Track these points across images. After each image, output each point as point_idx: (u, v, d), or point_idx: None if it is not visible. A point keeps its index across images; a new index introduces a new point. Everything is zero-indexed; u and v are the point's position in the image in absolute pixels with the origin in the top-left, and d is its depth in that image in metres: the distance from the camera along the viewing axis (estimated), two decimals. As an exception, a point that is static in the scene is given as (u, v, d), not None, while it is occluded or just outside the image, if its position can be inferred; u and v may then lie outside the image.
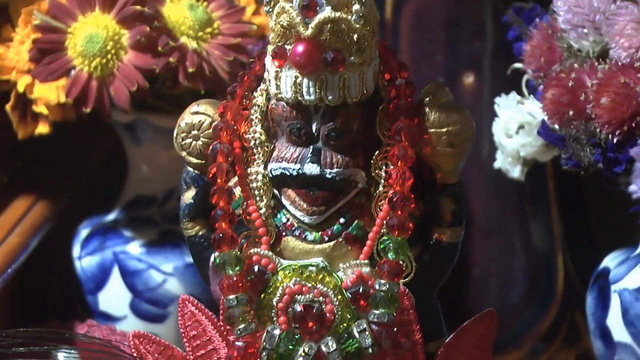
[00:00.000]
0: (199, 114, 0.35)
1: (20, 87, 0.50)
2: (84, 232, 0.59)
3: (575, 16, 0.43)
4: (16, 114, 0.52)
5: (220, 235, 0.32)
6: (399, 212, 0.31)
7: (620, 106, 0.39)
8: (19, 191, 0.58)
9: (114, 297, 0.56)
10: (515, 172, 0.51)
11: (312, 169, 0.32)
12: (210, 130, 0.34)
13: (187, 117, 0.35)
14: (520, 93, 0.49)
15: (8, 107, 0.51)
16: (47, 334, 0.34)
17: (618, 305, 0.44)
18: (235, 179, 0.34)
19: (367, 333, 0.31)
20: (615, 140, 0.40)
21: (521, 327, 0.57)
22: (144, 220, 0.58)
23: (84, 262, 0.57)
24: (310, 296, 0.32)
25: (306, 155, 0.33)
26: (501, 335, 0.50)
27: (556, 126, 0.43)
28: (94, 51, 0.47)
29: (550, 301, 0.57)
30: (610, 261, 0.47)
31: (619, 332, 0.44)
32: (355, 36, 0.31)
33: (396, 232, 0.31)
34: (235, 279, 0.32)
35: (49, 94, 0.50)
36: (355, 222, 0.33)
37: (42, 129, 0.52)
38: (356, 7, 0.31)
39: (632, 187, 0.39)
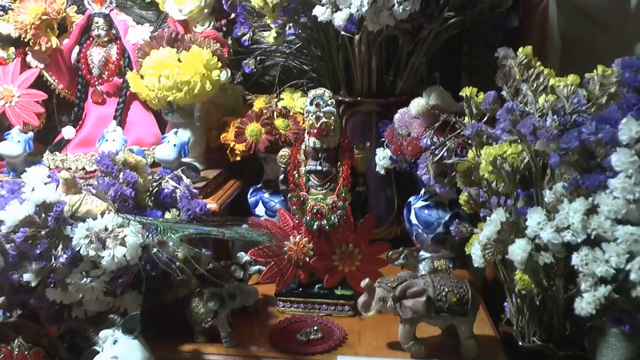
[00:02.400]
0: (284, 150, 1.07)
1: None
2: (251, 190, 1.33)
3: (400, 122, 1.19)
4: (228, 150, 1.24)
5: (292, 188, 1.04)
6: (346, 181, 1.04)
7: (414, 149, 1.15)
8: (230, 177, 1.36)
9: (261, 212, 1.30)
10: (381, 171, 1.27)
11: (319, 168, 1.04)
12: (288, 155, 1.06)
13: (282, 151, 1.07)
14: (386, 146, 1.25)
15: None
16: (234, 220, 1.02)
17: (414, 213, 1.22)
18: (295, 171, 1.06)
19: (335, 217, 1.04)
20: (413, 160, 1.16)
21: (383, 210, 1.34)
22: (270, 187, 1.31)
23: (250, 199, 1.34)
24: (319, 206, 1.04)
25: (317, 164, 1.05)
26: (376, 223, 1.24)
27: (394, 157, 1.19)
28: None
29: (393, 213, 1.35)
30: (412, 199, 1.26)
31: (414, 221, 1.22)
32: (334, 121, 1.02)
33: (345, 186, 1.04)
34: (295, 200, 1.04)
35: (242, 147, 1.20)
36: (333, 184, 1.05)
37: (237, 157, 1.23)
38: (334, 109, 1.02)
39: (419, 173, 1.14)
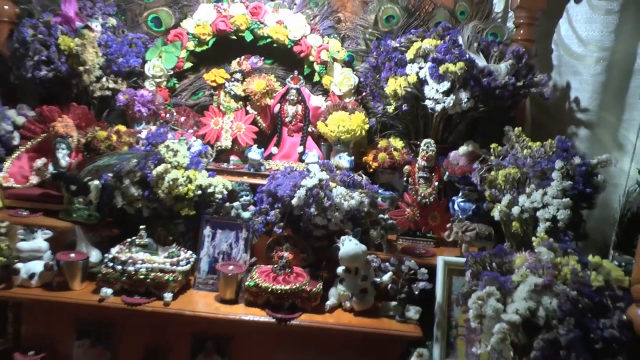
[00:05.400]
0: (407, 167, 2.30)
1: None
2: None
3: (453, 157, 2.42)
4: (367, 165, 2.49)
5: (412, 183, 2.27)
6: (436, 182, 2.27)
7: (461, 171, 2.37)
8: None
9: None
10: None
11: (426, 175, 2.28)
12: (409, 169, 2.29)
13: (406, 167, 2.32)
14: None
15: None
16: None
17: (456, 204, 2.46)
18: (412, 176, 2.29)
19: (431, 198, 2.26)
20: (459, 177, 2.38)
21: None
22: (383, 185, 2.53)
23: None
24: (424, 193, 2.26)
25: (424, 173, 2.28)
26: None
27: (450, 176, 2.43)
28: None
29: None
30: (455, 197, 2.49)
31: (456, 208, 2.45)
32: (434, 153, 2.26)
33: (436, 184, 2.27)
34: (412, 190, 2.27)
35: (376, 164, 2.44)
36: (429, 183, 2.28)
37: (372, 169, 2.48)
38: (434, 148, 2.26)
39: (472, 179, 2.38)
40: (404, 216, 2.27)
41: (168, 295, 1.95)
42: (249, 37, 2.67)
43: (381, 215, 2.15)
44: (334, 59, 2.64)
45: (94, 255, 2.12)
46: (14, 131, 2.45)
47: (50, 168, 2.34)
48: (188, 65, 2.71)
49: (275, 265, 1.99)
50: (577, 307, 1.41)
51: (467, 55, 2.27)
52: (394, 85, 2.37)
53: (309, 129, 2.59)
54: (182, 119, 2.56)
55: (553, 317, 1.42)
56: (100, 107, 2.65)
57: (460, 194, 2.42)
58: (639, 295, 1.36)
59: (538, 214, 1.93)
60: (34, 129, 2.50)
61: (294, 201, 1.99)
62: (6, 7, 2.67)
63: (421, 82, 2.35)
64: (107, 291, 1.96)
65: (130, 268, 1.96)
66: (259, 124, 2.65)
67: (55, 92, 2.59)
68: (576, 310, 1.40)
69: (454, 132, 2.50)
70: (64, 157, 2.34)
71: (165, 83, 2.67)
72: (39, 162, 2.40)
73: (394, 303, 1.98)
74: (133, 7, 2.77)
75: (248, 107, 2.63)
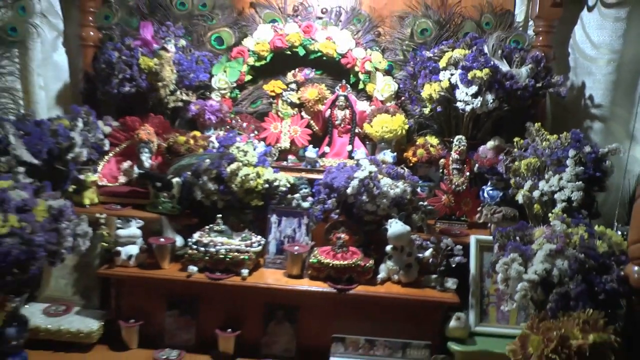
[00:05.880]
0: (442, 160, 2.68)
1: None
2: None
3: (482, 151, 2.79)
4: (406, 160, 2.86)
5: (447, 174, 2.64)
6: (467, 172, 2.64)
7: (489, 163, 2.72)
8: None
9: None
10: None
11: (458, 167, 2.64)
12: (444, 162, 2.66)
13: (441, 160, 2.69)
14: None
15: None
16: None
17: (486, 192, 2.81)
18: (446, 168, 2.66)
19: (464, 186, 2.63)
20: (488, 168, 2.74)
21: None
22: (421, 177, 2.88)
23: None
24: (457, 182, 2.63)
25: (457, 164, 2.64)
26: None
27: (479, 167, 2.80)
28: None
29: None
30: (484, 186, 2.85)
31: (486, 195, 2.81)
32: (465, 148, 2.63)
33: (468, 174, 2.64)
34: (447, 180, 2.64)
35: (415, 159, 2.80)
36: (462, 173, 2.65)
37: (412, 163, 2.86)
38: (465, 144, 2.63)
39: (498, 169, 2.74)
40: (441, 202, 2.64)
41: (245, 271, 2.35)
42: (301, 52, 3.08)
43: (421, 202, 2.52)
44: (376, 69, 3.02)
45: (178, 240, 2.53)
46: (104, 139, 2.90)
47: (135, 169, 2.77)
48: (248, 77, 3.13)
49: (334, 245, 2.37)
50: (584, 267, 1.75)
51: (492, 62, 2.63)
52: (430, 90, 2.75)
53: (356, 130, 2.98)
54: (244, 124, 2.98)
55: (564, 275, 1.75)
56: (171, 116, 3.08)
57: (488, 183, 2.75)
58: (633, 254, 1.68)
59: (555, 196, 2.27)
60: (119, 136, 2.95)
61: (349, 190, 2.38)
62: (91, 33, 3.14)
63: (452, 87, 2.72)
64: (193, 269, 2.35)
65: (212, 249, 2.35)
66: (312, 127, 3.06)
67: (133, 105, 3.03)
68: (583, 270, 1.74)
69: (481, 129, 2.85)
70: (147, 160, 2.77)
71: (228, 94, 3.10)
72: (126, 165, 2.84)
73: (434, 276, 2.34)
74: (198, 29, 3.20)
75: (302, 113, 3.03)
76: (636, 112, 2.65)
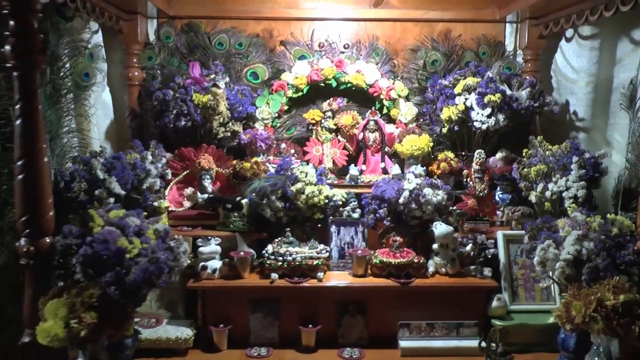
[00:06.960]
0: (465, 171, 3.23)
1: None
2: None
3: (492, 162, 3.38)
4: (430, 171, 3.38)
5: (470, 181, 3.21)
6: (487, 178, 3.22)
7: (499, 171, 3.31)
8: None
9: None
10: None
11: (480, 176, 3.21)
12: (467, 171, 3.22)
13: (465, 170, 3.23)
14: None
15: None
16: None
17: (497, 195, 3.40)
18: (470, 176, 3.23)
19: (486, 190, 3.20)
20: (498, 176, 3.32)
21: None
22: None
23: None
24: (480, 188, 3.20)
25: (479, 173, 3.21)
26: (482, 200, 3.40)
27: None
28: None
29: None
30: (496, 190, 3.44)
31: (497, 198, 3.40)
32: (484, 160, 3.20)
33: (486, 180, 3.22)
34: (472, 186, 3.21)
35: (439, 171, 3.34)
36: (483, 180, 3.22)
37: (437, 174, 3.38)
38: (484, 156, 3.21)
39: (512, 174, 3.33)
40: (468, 206, 3.19)
41: (321, 274, 2.78)
42: (334, 84, 3.57)
43: (451, 207, 3.06)
44: (399, 96, 3.56)
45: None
46: (167, 169, 3.25)
47: (198, 194, 3.15)
48: (286, 107, 3.59)
49: (391, 247, 2.87)
50: (606, 245, 2.31)
51: (500, 88, 3.22)
52: (448, 112, 3.31)
53: (386, 150, 3.49)
54: (290, 150, 3.44)
55: (592, 253, 2.30)
56: (219, 146, 3.48)
57: (498, 188, 3.31)
58: (642, 233, 2.29)
59: (563, 194, 2.86)
60: (176, 165, 3.32)
61: (401, 200, 2.88)
62: (136, 73, 3.50)
63: (467, 109, 3.28)
64: (274, 276, 2.78)
65: (289, 258, 2.75)
66: (348, 149, 3.55)
67: (184, 137, 3.40)
68: (605, 248, 2.30)
69: (489, 143, 3.44)
70: (209, 185, 3.17)
71: (270, 123, 3.54)
72: (188, 191, 3.19)
73: (473, 266, 2.88)
74: (235, 65, 3.61)
75: (339, 136, 3.52)
76: (610, 123, 3.30)
